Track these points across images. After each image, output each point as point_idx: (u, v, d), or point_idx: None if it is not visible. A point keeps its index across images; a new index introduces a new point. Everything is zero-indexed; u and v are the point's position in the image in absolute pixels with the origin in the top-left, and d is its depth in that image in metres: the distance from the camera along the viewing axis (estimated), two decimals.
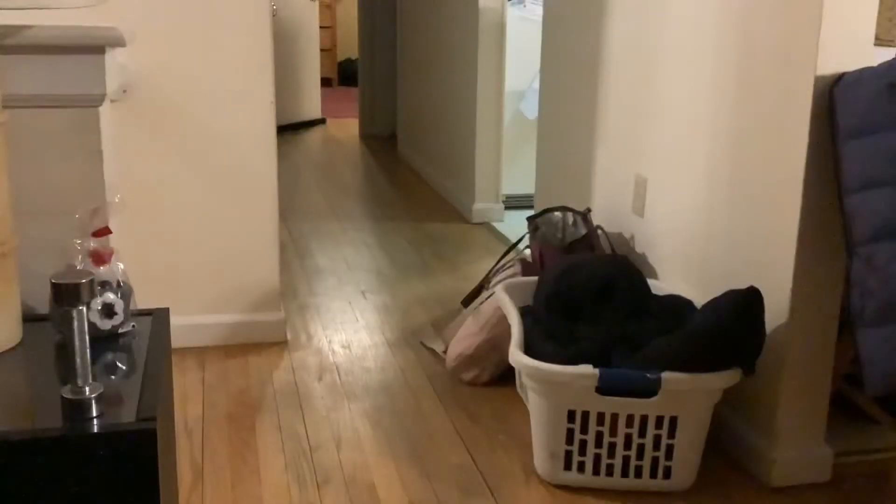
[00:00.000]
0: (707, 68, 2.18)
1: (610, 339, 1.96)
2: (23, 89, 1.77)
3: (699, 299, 2.07)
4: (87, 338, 1.19)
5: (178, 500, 1.75)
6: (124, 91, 2.43)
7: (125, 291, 1.48)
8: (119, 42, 1.93)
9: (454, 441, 2.16)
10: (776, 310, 1.93)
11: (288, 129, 6.87)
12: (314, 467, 2.02)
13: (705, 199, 2.21)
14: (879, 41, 1.82)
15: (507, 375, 2.42)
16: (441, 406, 2.35)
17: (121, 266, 1.48)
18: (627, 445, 1.90)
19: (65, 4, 1.53)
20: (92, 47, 1.85)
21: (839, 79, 1.77)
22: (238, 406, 2.32)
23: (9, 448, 1.12)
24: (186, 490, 1.91)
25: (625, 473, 1.92)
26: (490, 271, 2.80)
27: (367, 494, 1.91)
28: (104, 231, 1.46)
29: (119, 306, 1.45)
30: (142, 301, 1.55)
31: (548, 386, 1.90)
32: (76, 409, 1.19)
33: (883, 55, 1.76)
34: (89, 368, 1.20)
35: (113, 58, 2.03)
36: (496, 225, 4.25)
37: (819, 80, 1.78)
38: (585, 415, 1.89)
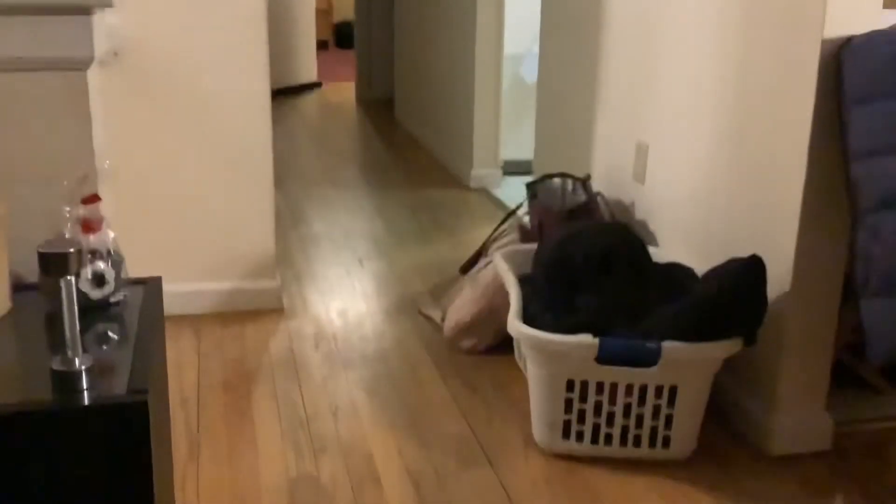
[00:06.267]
0: (711, 32, 2.13)
1: (610, 309, 1.93)
2: (6, 52, 1.72)
3: (700, 267, 2.05)
4: (76, 309, 1.16)
5: (173, 471, 1.73)
6: (115, 54, 2.37)
7: (116, 260, 1.45)
8: (106, 2, 1.87)
9: (452, 410, 2.15)
10: (778, 279, 1.90)
11: (283, 93, 6.80)
12: (311, 436, 2.01)
13: (708, 166, 2.18)
14: (889, 3, 1.77)
15: (505, 344, 2.40)
16: (439, 375, 2.33)
17: (111, 234, 1.45)
18: (626, 415, 1.89)
19: None
20: (77, 7, 1.80)
21: (847, 42, 1.72)
22: (234, 375, 2.31)
23: None
24: (182, 460, 1.90)
25: (623, 442, 1.91)
26: (488, 238, 2.78)
27: (365, 464, 1.90)
28: (93, 198, 1.42)
29: (110, 275, 1.42)
30: (134, 269, 1.52)
31: (547, 355, 1.88)
32: (66, 381, 1.16)
33: (892, 18, 1.72)
34: (79, 340, 1.17)
35: (101, 19, 1.98)
36: (494, 191, 4.21)
37: (826, 44, 1.74)
38: (585, 384, 1.87)
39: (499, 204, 3.98)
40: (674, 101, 2.33)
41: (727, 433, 2.05)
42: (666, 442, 1.91)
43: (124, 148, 2.48)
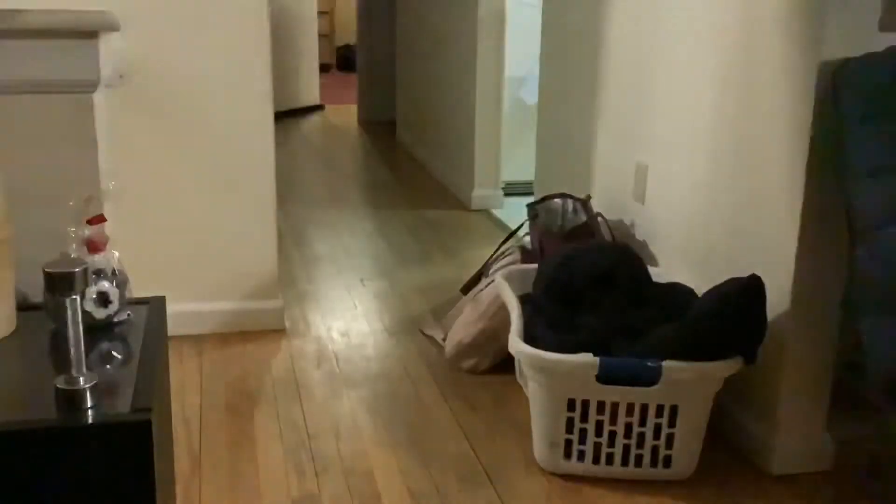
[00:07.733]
0: (709, 53, 2.16)
1: (610, 328, 1.94)
2: (15, 75, 1.75)
3: (700, 287, 2.06)
4: (80, 327, 1.17)
5: (175, 490, 1.74)
6: (121, 76, 2.40)
7: (120, 280, 1.46)
8: (112, 26, 1.90)
9: (453, 429, 2.15)
10: (778, 298, 1.91)
11: (286, 116, 6.84)
12: (313, 456, 2.01)
13: (707, 185, 2.19)
14: (884, 27, 1.79)
15: (506, 363, 2.41)
16: (440, 394, 2.34)
17: (116, 254, 1.47)
18: (627, 434, 1.89)
19: None
20: (84, 32, 1.83)
21: (844, 64, 1.74)
22: (236, 395, 2.31)
23: (1, 439, 1.10)
24: (184, 480, 1.90)
25: (625, 462, 1.91)
26: (489, 259, 2.79)
27: (366, 483, 1.90)
28: (98, 219, 1.44)
29: (114, 295, 1.44)
30: (138, 289, 1.54)
31: (548, 374, 1.89)
32: (70, 399, 1.17)
33: (888, 40, 1.74)
34: (83, 358, 1.18)
35: (107, 42, 2.00)
36: (495, 212, 4.23)
37: (824, 66, 1.76)
38: (585, 403, 1.88)
39: (500, 224, 4.00)
40: (673, 121, 2.35)
41: (728, 453, 2.05)
42: (667, 462, 1.91)
43: (129, 168, 2.50)
